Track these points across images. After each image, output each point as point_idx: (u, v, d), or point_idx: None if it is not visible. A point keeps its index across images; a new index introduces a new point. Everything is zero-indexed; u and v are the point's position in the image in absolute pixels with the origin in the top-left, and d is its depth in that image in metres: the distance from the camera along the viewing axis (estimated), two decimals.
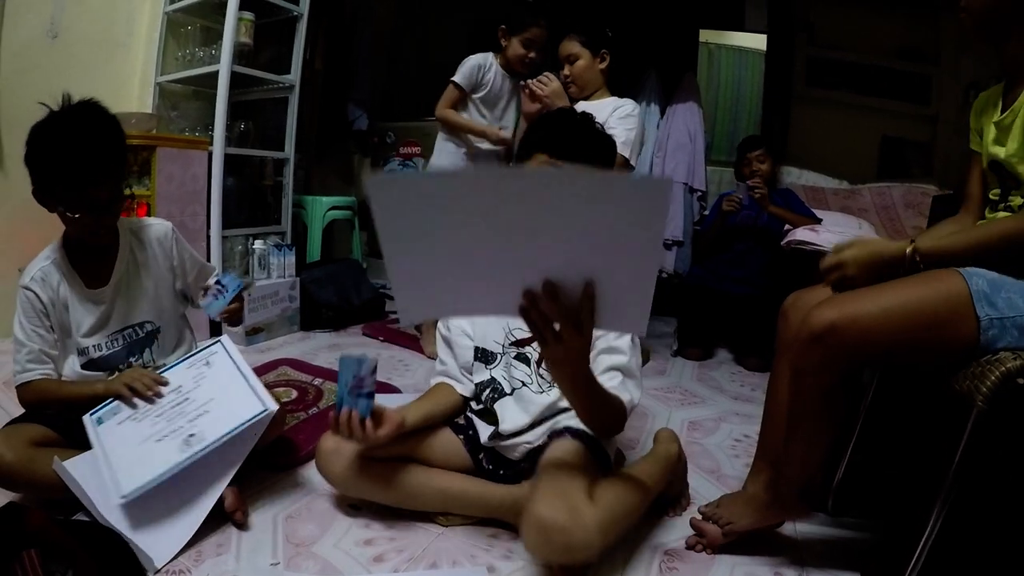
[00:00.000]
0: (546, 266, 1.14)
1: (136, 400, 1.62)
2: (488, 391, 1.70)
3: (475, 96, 3.07)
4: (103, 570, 1.25)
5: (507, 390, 1.68)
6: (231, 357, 1.74)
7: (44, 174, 1.60)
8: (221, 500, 1.56)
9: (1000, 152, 1.47)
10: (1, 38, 2.88)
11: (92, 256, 1.77)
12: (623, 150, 2.49)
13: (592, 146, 1.68)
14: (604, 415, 1.49)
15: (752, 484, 1.65)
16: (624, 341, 1.59)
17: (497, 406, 1.68)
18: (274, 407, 1.62)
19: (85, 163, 1.57)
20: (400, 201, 1.09)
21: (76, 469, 1.47)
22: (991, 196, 1.55)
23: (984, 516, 1.39)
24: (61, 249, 1.75)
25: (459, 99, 3.07)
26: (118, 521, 1.44)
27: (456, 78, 3.03)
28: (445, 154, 3.15)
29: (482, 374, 1.73)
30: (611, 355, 1.58)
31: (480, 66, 3.02)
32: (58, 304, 1.72)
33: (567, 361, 1.28)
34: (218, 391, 1.66)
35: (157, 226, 1.89)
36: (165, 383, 1.68)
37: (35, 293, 1.69)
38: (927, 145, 4.41)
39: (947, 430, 1.28)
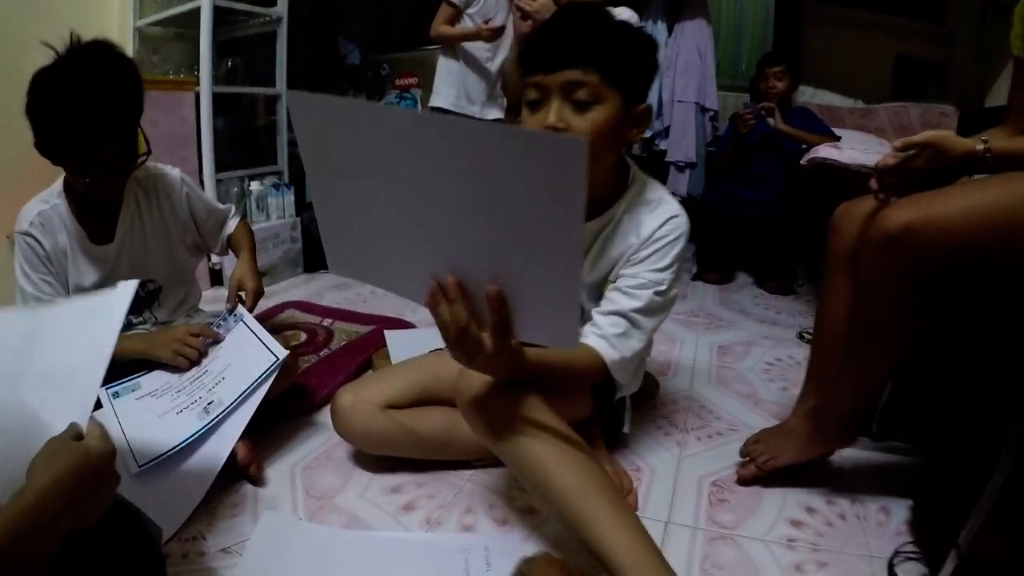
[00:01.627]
0: (453, 248, 0.97)
1: (161, 374, 1.54)
2: None
3: (469, 11, 3.04)
4: (109, 543, 1.14)
5: None
6: (246, 324, 1.65)
7: (48, 127, 1.43)
8: (233, 456, 1.44)
9: None
10: None
11: (96, 207, 1.63)
12: None
13: (606, 42, 1.28)
14: (562, 380, 1.31)
15: (798, 412, 1.55)
16: (660, 276, 1.36)
17: None
18: (284, 353, 1.51)
19: (95, 114, 1.40)
20: (321, 127, 0.95)
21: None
22: None
23: None
24: (63, 195, 1.61)
25: (454, 16, 3.05)
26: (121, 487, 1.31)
27: None
28: (447, 73, 3.18)
29: None
30: (626, 296, 1.36)
31: None
32: (58, 253, 1.59)
33: (491, 370, 1.15)
34: (233, 355, 1.57)
35: (166, 176, 1.76)
36: (217, 338, 1.61)
37: (35, 239, 1.56)
38: (942, 65, 4.25)
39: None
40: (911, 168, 1.31)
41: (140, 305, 1.73)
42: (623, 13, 2.46)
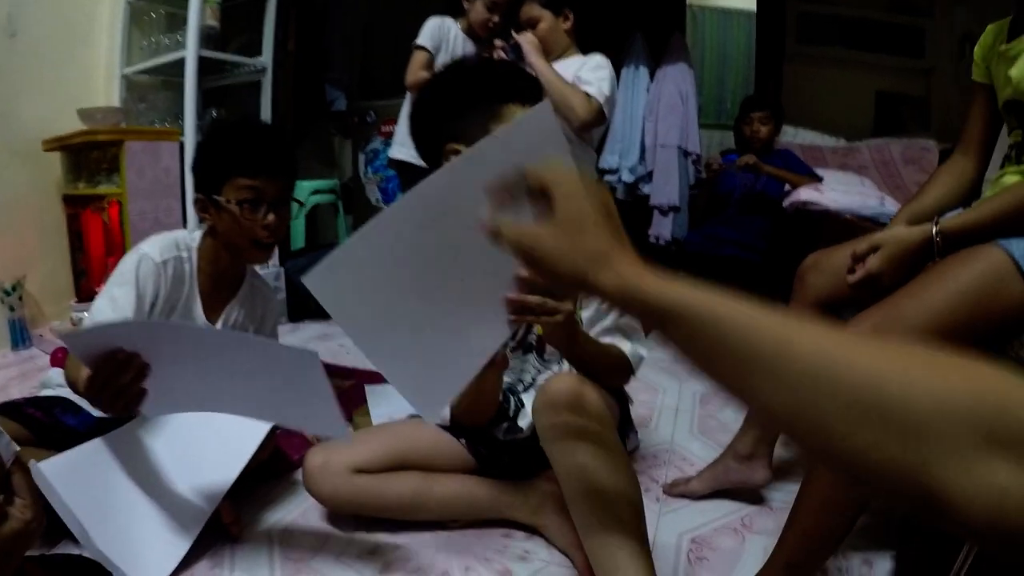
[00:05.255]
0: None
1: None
2: (512, 401, 1.57)
3: (437, 59, 2.91)
4: None
5: (521, 390, 1.58)
6: None
7: (217, 162, 1.56)
8: (217, 513, 1.44)
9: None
10: None
11: (215, 281, 1.67)
12: (600, 97, 2.36)
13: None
14: (606, 366, 1.41)
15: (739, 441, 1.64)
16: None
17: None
18: (268, 423, 1.52)
19: (262, 146, 1.56)
20: (344, 284, 0.93)
21: (53, 472, 1.26)
22: (1012, 140, 1.44)
23: None
24: (199, 255, 1.65)
25: (428, 62, 2.88)
26: (102, 537, 1.27)
27: (420, 41, 2.87)
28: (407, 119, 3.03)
29: None
30: (609, 335, 1.50)
31: (440, 25, 2.87)
32: (165, 301, 1.58)
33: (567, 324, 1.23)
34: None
35: (273, 299, 1.88)
36: None
37: (163, 274, 1.56)
38: (923, 99, 4.32)
39: None
40: (875, 275, 1.33)
41: None
42: (595, 57, 2.50)
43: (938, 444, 0.42)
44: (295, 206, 4.03)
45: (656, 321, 0.64)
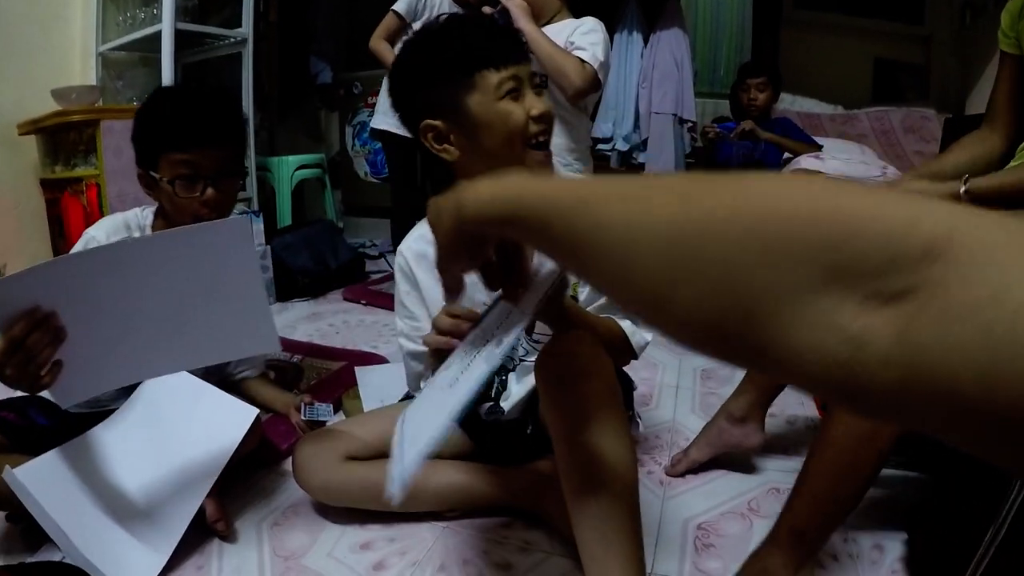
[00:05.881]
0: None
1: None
2: (496, 381, 1.50)
3: (416, 25, 2.85)
4: None
5: (507, 372, 1.50)
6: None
7: (149, 135, 1.49)
8: (201, 511, 1.37)
9: None
10: None
11: None
12: (594, 62, 2.28)
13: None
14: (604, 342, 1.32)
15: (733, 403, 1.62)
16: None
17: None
18: (254, 411, 1.48)
19: (195, 116, 1.46)
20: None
21: (30, 477, 1.24)
22: None
23: None
24: (154, 222, 1.60)
25: (398, 28, 2.88)
26: (83, 541, 1.23)
27: (396, 6, 2.86)
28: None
29: None
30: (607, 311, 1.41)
31: None
32: None
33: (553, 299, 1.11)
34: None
35: None
36: None
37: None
38: (922, 67, 4.24)
39: None
40: None
41: None
42: (587, 22, 2.41)
43: (765, 288, 0.35)
44: (280, 179, 4.00)
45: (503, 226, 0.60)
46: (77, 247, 1.51)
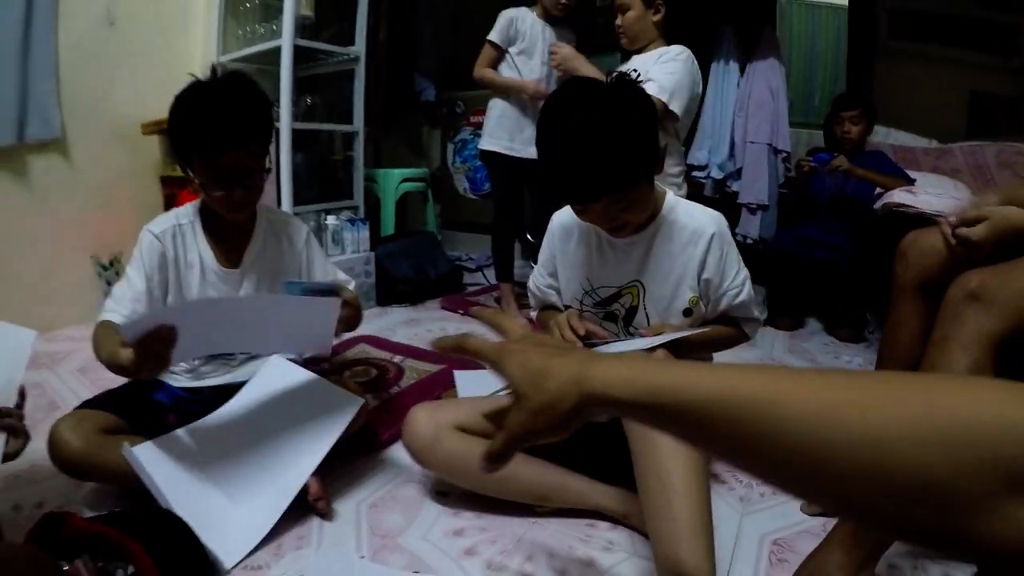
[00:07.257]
0: None
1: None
2: None
3: (512, 50, 3.07)
4: (167, 560, 1.15)
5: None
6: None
7: (178, 139, 1.56)
8: (304, 490, 1.48)
9: None
10: (59, 30, 2.85)
11: (227, 233, 1.71)
12: (660, 94, 2.32)
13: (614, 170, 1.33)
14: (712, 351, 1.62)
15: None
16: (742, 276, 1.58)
17: None
18: (360, 400, 1.59)
19: (215, 128, 1.50)
20: None
21: (145, 456, 1.40)
22: None
23: None
24: (198, 216, 1.70)
25: (497, 57, 3.09)
26: (189, 512, 1.34)
27: (491, 36, 3.06)
28: (499, 116, 3.18)
29: None
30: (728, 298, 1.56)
31: (513, 19, 3.05)
32: (182, 268, 1.66)
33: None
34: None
35: (293, 222, 1.85)
36: None
37: (161, 244, 1.64)
38: (1016, 101, 4.07)
39: None
40: (976, 243, 1.32)
41: None
42: (672, 50, 2.45)
43: (964, 503, 0.42)
44: (386, 190, 4.13)
45: (646, 415, 0.58)
46: (141, 239, 1.64)
